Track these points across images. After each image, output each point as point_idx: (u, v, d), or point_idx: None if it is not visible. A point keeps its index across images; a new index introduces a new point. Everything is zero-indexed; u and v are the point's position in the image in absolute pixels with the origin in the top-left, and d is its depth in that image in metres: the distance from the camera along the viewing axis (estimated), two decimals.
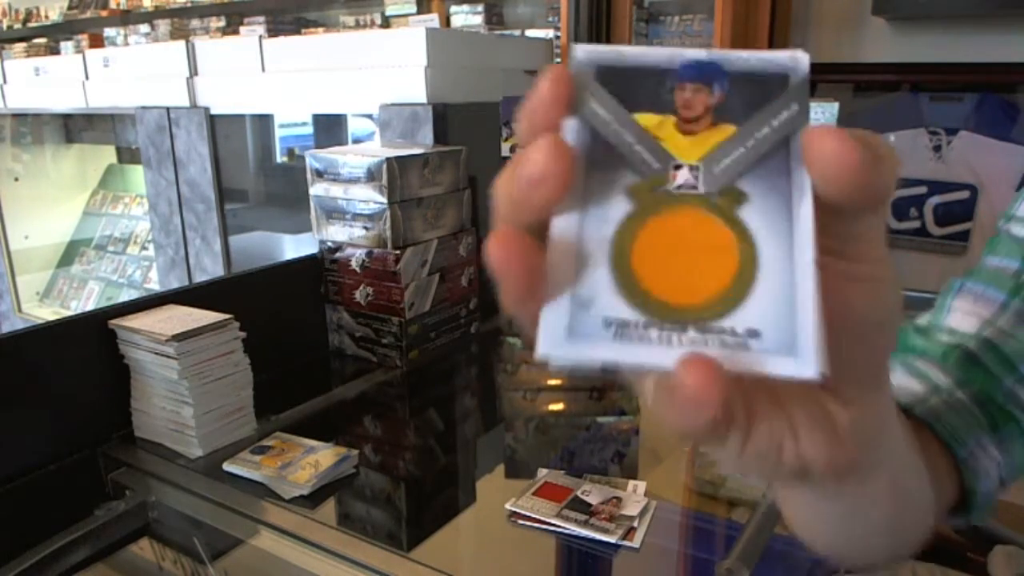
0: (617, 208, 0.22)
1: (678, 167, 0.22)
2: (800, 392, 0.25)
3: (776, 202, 0.21)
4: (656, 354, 0.21)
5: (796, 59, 0.22)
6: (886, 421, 0.28)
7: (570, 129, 0.22)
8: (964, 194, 1.54)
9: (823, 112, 1.17)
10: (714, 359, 0.20)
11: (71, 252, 3.01)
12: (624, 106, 0.22)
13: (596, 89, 0.22)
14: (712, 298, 0.21)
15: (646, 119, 0.22)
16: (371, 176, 1.15)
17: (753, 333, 0.21)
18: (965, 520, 0.44)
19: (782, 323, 0.21)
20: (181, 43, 1.89)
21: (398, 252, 1.16)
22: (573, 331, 0.21)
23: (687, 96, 0.22)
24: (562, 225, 0.21)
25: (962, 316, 0.47)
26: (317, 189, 1.23)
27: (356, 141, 2.00)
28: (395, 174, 1.15)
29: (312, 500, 0.83)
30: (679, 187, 0.22)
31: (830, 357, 0.21)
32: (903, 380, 0.45)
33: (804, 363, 0.20)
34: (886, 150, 0.21)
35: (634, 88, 0.22)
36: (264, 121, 2.23)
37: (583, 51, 0.23)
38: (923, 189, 1.58)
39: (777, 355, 0.20)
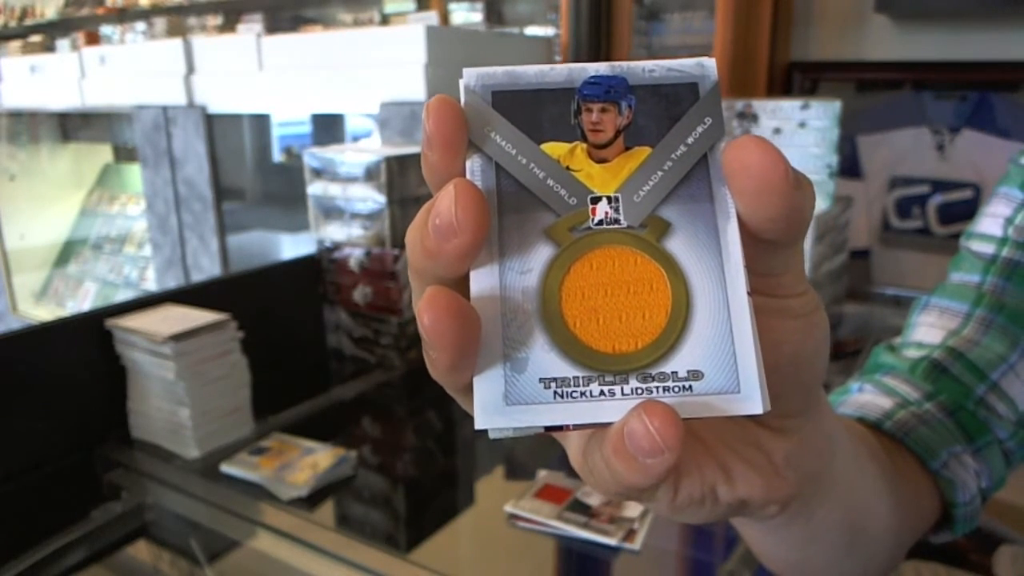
0: (538, 255, 0.20)
1: (596, 200, 0.21)
2: (732, 434, 0.24)
3: (702, 229, 0.20)
4: (600, 410, 0.19)
5: (703, 66, 0.21)
6: (826, 445, 0.27)
7: (475, 169, 0.20)
8: (967, 193, 1.53)
9: (824, 111, 1.16)
10: (668, 405, 0.19)
11: (67, 251, 3.00)
12: (528, 135, 0.21)
13: (496, 119, 0.21)
14: (650, 342, 0.20)
15: (554, 148, 0.21)
16: (370, 175, 1.15)
17: (695, 375, 0.20)
18: (950, 535, 0.43)
19: (722, 360, 0.20)
20: (178, 41, 1.88)
21: (397, 252, 1.15)
22: (510, 397, 0.19)
23: (594, 118, 0.21)
24: (482, 281, 0.20)
25: (927, 329, 0.47)
26: (315, 188, 1.22)
27: (355, 139, 2.00)
28: (394, 173, 1.14)
29: (310, 502, 0.82)
30: (599, 223, 0.20)
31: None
32: (872, 398, 0.45)
33: (749, 399, 0.20)
34: (805, 178, 0.20)
35: (535, 113, 0.21)
36: (261, 119, 2.22)
37: (474, 76, 0.21)
38: (926, 188, 1.58)
39: (721, 394, 0.20)
